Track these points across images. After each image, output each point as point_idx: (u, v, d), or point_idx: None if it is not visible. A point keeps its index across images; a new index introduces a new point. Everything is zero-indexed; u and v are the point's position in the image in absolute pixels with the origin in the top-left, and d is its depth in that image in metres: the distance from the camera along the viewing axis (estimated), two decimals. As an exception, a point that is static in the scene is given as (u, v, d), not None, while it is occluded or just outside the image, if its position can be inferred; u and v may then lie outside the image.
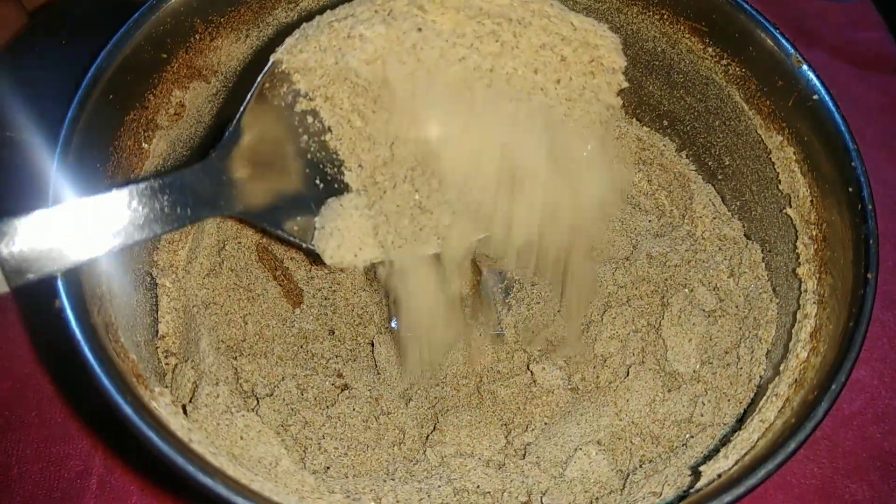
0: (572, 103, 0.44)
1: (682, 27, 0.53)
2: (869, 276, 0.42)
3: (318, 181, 0.45)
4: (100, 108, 0.44)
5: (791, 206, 0.50)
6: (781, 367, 0.46)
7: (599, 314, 0.55)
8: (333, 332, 0.56)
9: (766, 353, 0.50)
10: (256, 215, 0.43)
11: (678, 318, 0.53)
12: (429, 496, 0.45)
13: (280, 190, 0.44)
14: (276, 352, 0.53)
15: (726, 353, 0.52)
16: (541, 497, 0.46)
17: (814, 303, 0.47)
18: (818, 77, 0.47)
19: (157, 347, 0.51)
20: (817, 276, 0.47)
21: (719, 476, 0.40)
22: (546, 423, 0.52)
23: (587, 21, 0.42)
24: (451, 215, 0.44)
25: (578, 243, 0.48)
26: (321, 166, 0.45)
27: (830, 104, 0.46)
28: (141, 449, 0.36)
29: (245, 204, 0.42)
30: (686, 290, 0.54)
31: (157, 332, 0.51)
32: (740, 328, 0.53)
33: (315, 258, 0.45)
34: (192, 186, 0.40)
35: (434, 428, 0.51)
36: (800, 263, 0.48)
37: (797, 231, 0.49)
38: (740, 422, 0.48)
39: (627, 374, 0.52)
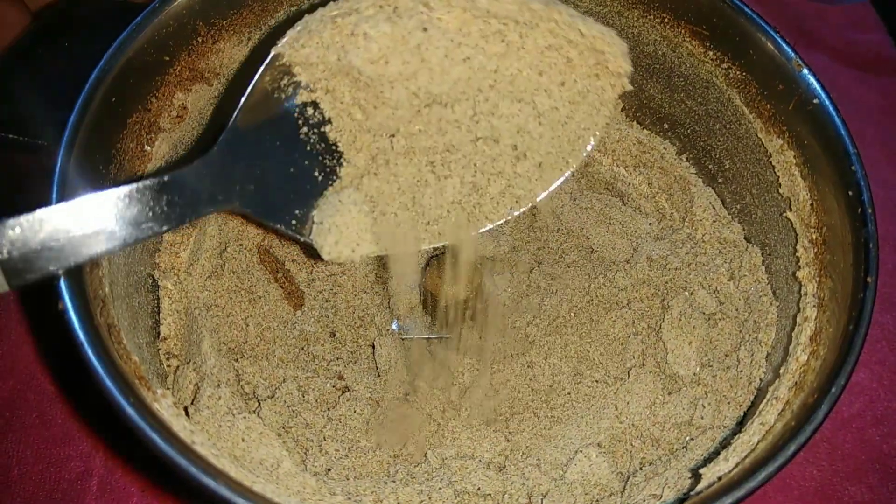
0: (575, 106, 0.44)
1: (682, 31, 0.53)
2: (869, 279, 0.42)
3: (316, 173, 0.44)
4: (102, 110, 0.43)
5: (791, 210, 0.50)
6: (781, 370, 0.46)
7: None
8: (334, 335, 0.56)
9: (766, 356, 0.50)
10: (255, 209, 0.43)
11: (678, 321, 0.53)
12: (430, 498, 0.45)
13: (279, 182, 0.44)
14: (278, 354, 0.53)
15: (726, 356, 0.52)
16: (541, 499, 0.46)
17: (814, 306, 0.47)
18: (818, 81, 0.47)
19: (158, 349, 0.51)
20: (817, 279, 0.47)
21: (719, 479, 0.40)
22: (546, 425, 0.52)
23: (595, 27, 0.42)
24: (452, 209, 0.44)
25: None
26: (320, 158, 0.44)
27: (831, 108, 0.46)
28: (141, 450, 0.36)
29: (244, 197, 0.42)
30: (686, 293, 0.54)
31: (159, 333, 0.51)
32: (740, 331, 0.53)
33: (313, 252, 0.45)
34: (193, 183, 0.40)
35: (435, 430, 0.51)
36: (800, 267, 0.49)
37: (797, 234, 0.49)
38: (740, 425, 0.48)
39: (628, 377, 0.52)
